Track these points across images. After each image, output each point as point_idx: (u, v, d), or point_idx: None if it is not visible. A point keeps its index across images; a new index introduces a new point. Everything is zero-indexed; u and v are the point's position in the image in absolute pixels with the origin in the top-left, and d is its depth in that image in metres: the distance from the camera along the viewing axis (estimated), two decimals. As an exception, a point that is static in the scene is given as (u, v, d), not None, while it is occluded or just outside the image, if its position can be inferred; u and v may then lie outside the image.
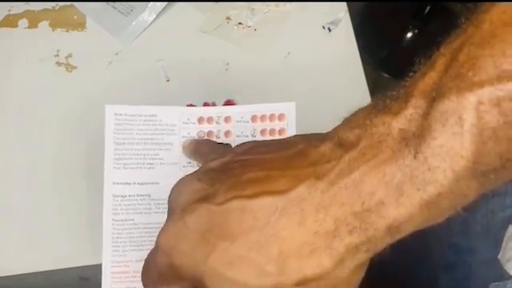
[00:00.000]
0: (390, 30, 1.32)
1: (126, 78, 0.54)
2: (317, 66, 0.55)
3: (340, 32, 0.57)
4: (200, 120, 0.36)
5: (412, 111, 0.22)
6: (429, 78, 0.22)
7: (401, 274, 0.67)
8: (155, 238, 0.29)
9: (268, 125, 0.37)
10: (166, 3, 0.56)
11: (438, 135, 0.21)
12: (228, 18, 0.58)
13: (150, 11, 0.56)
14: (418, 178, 0.21)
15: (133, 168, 0.35)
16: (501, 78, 0.19)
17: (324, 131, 0.32)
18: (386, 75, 1.25)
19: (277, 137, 0.36)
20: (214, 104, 0.52)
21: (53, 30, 0.56)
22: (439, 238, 0.54)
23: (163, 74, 0.54)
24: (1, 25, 0.56)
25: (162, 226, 0.26)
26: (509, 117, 0.20)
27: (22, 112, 0.52)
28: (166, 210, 0.30)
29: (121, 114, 0.35)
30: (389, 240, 0.23)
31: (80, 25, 0.56)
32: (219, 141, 0.36)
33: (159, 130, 0.35)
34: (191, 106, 0.52)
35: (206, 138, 0.36)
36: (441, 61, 0.22)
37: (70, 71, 0.54)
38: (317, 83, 0.54)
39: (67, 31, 0.56)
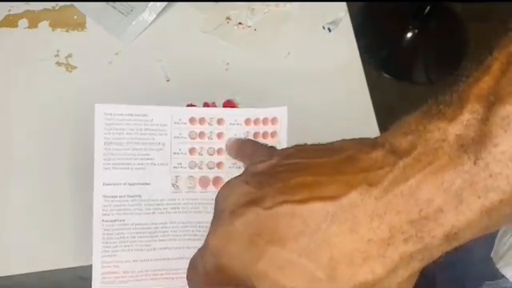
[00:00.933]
0: (390, 30, 1.32)
1: (126, 77, 0.54)
2: (317, 66, 0.55)
3: (340, 32, 0.57)
4: (192, 120, 0.35)
5: (469, 116, 0.21)
6: (484, 83, 0.22)
7: None
8: (145, 239, 0.30)
9: (261, 128, 0.36)
10: (166, 3, 0.56)
11: (499, 141, 0.20)
12: (228, 18, 0.58)
13: (150, 11, 0.56)
14: (478, 184, 0.20)
15: (123, 168, 0.34)
16: None
17: (324, 131, 0.33)
18: (386, 75, 1.25)
19: (269, 139, 0.36)
20: (214, 104, 0.52)
21: (53, 30, 0.56)
22: (477, 277, 0.54)
23: (163, 74, 0.54)
24: (1, 25, 0.56)
25: (209, 226, 0.27)
26: None
27: (21, 112, 0.52)
28: (157, 210, 0.30)
29: (111, 114, 0.35)
30: (445, 248, 0.22)
31: (80, 25, 0.56)
32: (211, 142, 0.36)
33: (150, 129, 0.35)
34: (191, 105, 0.52)
35: (198, 139, 0.35)
36: (496, 65, 0.22)
37: (70, 71, 0.54)
38: (317, 83, 0.54)
39: (67, 31, 0.56)
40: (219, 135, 0.35)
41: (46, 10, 0.57)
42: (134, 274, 0.33)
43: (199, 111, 0.36)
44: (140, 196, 0.34)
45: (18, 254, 0.46)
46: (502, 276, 0.42)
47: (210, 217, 0.28)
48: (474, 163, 0.20)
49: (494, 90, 0.21)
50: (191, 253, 0.28)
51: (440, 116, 0.22)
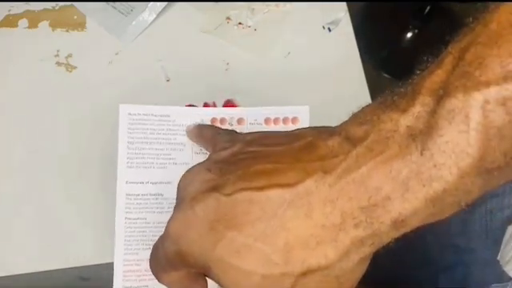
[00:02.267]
0: (390, 30, 1.32)
1: (126, 78, 0.54)
2: (317, 66, 0.55)
3: (340, 32, 0.57)
4: (213, 121, 0.36)
5: (419, 109, 0.22)
6: (436, 76, 0.23)
7: (401, 274, 0.67)
8: None
9: (281, 127, 0.36)
10: (166, 3, 0.56)
11: (444, 132, 0.21)
12: (228, 18, 0.58)
13: (150, 11, 0.56)
14: (423, 174, 0.21)
15: (146, 167, 0.35)
16: (507, 77, 0.20)
17: None
18: (386, 75, 1.25)
19: None
20: (214, 104, 0.52)
21: (53, 30, 0.56)
22: (439, 238, 0.54)
23: (163, 73, 0.54)
24: (1, 25, 0.56)
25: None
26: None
27: (22, 112, 0.52)
28: None
29: (134, 114, 0.35)
30: (394, 234, 0.23)
31: (80, 25, 0.56)
32: None
33: (172, 130, 0.35)
34: (191, 106, 0.52)
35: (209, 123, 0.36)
36: (448, 59, 0.23)
37: (70, 71, 0.54)
38: (317, 83, 0.54)
39: (67, 31, 0.56)
40: None
41: (46, 9, 0.57)
42: None
43: (220, 111, 0.37)
44: (162, 195, 0.34)
45: (18, 254, 0.46)
46: (510, 279, 0.43)
47: None
48: (421, 153, 0.21)
49: (443, 84, 0.22)
50: None
51: (393, 107, 0.23)
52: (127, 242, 0.34)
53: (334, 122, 0.54)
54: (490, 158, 0.21)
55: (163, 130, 0.35)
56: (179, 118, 0.35)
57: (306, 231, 0.23)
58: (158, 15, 0.56)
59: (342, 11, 0.58)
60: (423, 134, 0.22)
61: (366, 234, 0.23)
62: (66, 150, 0.50)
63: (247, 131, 0.34)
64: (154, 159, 0.35)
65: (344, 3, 0.58)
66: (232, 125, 0.36)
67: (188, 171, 0.28)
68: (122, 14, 0.56)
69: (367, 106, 0.26)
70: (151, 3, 0.56)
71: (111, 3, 0.57)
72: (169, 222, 0.26)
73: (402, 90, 0.24)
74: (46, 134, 0.51)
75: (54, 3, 0.57)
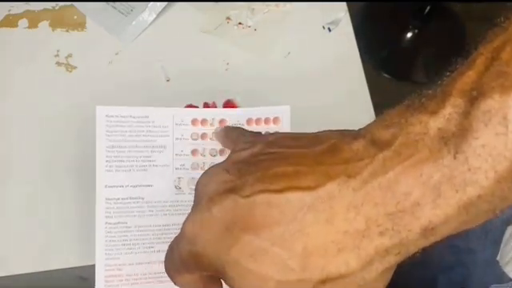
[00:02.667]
0: (390, 30, 1.32)
1: (126, 77, 0.54)
2: (317, 66, 0.55)
3: (340, 32, 0.57)
4: (194, 122, 0.35)
5: (451, 110, 0.21)
6: (467, 77, 0.21)
7: (399, 274, 0.67)
8: (148, 241, 0.31)
9: (263, 128, 0.36)
10: (166, 3, 0.56)
11: (480, 135, 0.20)
12: (228, 18, 0.58)
13: (150, 11, 0.56)
14: (457, 178, 0.20)
15: (125, 171, 0.34)
16: None
17: (323, 129, 0.30)
18: (386, 75, 1.25)
19: None
20: (214, 104, 0.52)
21: (53, 30, 0.56)
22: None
23: (163, 73, 0.54)
24: (1, 25, 0.56)
25: (188, 214, 0.26)
26: None
27: (22, 112, 0.52)
28: (159, 212, 0.30)
29: (112, 116, 0.34)
30: (422, 243, 0.22)
31: (80, 25, 0.56)
32: (214, 143, 0.36)
33: (152, 131, 0.34)
34: (191, 106, 0.52)
35: (200, 140, 0.35)
36: (480, 60, 0.21)
37: (70, 71, 0.54)
38: (317, 83, 0.54)
39: (67, 31, 0.56)
40: None
41: (46, 9, 0.57)
42: (137, 276, 0.33)
43: (201, 112, 0.36)
44: (142, 198, 0.34)
45: (18, 254, 0.46)
46: (510, 280, 0.43)
47: None
48: (454, 157, 0.20)
49: (476, 85, 0.21)
50: None
51: (422, 109, 0.22)
52: (108, 247, 0.33)
53: (333, 121, 0.54)
54: None
55: (143, 131, 0.34)
56: (159, 119, 0.34)
57: (327, 237, 0.22)
58: (158, 15, 0.56)
59: (342, 11, 0.58)
60: (456, 137, 0.20)
61: (392, 243, 0.21)
62: (65, 150, 0.50)
63: (233, 126, 0.34)
64: (133, 162, 0.34)
65: (344, 3, 0.58)
66: (214, 125, 0.35)
67: (206, 172, 0.27)
68: (122, 14, 0.56)
69: (393, 108, 0.24)
70: (151, 3, 0.56)
71: (111, 3, 0.57)
72: (184, 223, 0.26)
73: (431, 92, 0.23)
74: (45, 134, 0.51)
75: (53, 3, 0.57)
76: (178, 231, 0.28)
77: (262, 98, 0.53)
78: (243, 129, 0.35)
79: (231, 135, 0.34)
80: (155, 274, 0.33)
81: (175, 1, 0.57)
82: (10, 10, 0.57)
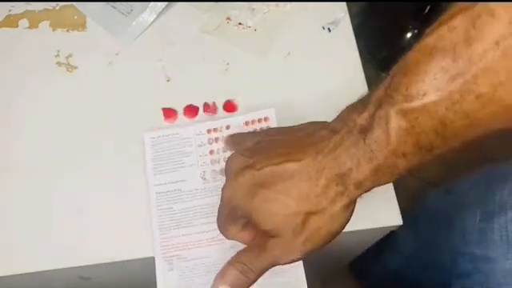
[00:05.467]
0: (390, 30, 1.32)
1: (127, 78, 0.54)
2: (317, 66, 0.55)
3: (340, 32, 0.57)
4: (208, 131, 0.49)
5: (366, 113, 0.35)
6: (379, 91, 0.35)
7: (411, 275, 0.67)
8: (188, 219, 0.46)
9: (258, 125, 0.49)
10: (166, 3, 0.56)
11: (375, 131, 0.34)
12: (228, 18, 0.58)
13: (150, 11, 0.56)
14: (367, 155, 0.34)
15: (166, 172, 0.47)
16: (407, 99, 0.32)
17: None
18: (385, 75, 1.25)
19: None
20: (214, 104, 0.52)
21: (53, 30, 0.56)
22: (452, 247, 0.54)
23: (163, 74, 0.54)
24: (1, 25, 0.56)
25: (222, 186, 0.41)
26: (411, 123, 0.32)
27: (22, 112, 0.52)
28: (193, 198, 0.46)
29: (154, 137, 0.49)
30: (358, 192, 0.36)
31: (80, 25, 0.56)
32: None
33: (181, 143, 0.48)
34: (191, 106, 0.52)
35: (214, 143, 0.49)
36: (387, 80, 0.34)
37: (71, 71, 0.54)
38: (317, 83, 0.54)
39: (67, 31, 0.56)
40: None
41: (46, 10, 0.57)
42: (183, 244, 0.45)
43: (212, 123, 0.49)
44: (180, 189, 0.47)
45: (18, 254, 0.46)
46: None
47: None
48: (364, 142, 0.34)
49: (380, 97, 0.34)
50: None
51: (355, 111, 0.36)
52: (161, 226, 0.45)
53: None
54: (401, 148, 0.33)
55: (175, 144, 0.48)
56: (184, 133, 0.49)
57: (308, 188, 0.36)
58: (158, 15, 0.56)
59: (342, 11, 0.58)
60: (366, 130, 0.34)
61: (342, 190, 0.36)
62: (65, 150, 0.50)
63: (234, 133, 0.48)
64: (171, 166, 0.47)
65: (344, 3, 0.58)
66: (222, 131, 0.49)
67: (229, 158, 0.41)
68: (123, 14, 0.56)
69: (346, 107, 0.39)
70: (151, 3, 0.56)
71: (111, 3, 0.57)
72: (222, 191, 0.40)
73: (365, 98, 0.37)
74: (45, 134, 0.51)
75: (54, 3, 0.57)
76: (209, 209, 0.45)
77: (262, 97, 0.53)
78: (244, 132, 0.49)
79: (236, 138, 0.48)
80: (195, 241, 0.45)
81: (175, 1, 0.57)
82: (10, 11, 0.57)
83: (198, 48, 0.56)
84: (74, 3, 0.57)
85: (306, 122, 0.43)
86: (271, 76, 0.54)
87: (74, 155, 0.50)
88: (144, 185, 0.48)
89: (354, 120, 0.35)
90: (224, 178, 0.42)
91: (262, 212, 0.37)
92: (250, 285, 0.39)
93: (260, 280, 0.39)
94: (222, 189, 0.40)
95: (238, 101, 0.53)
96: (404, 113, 0.32)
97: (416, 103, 0.31)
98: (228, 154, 0.46)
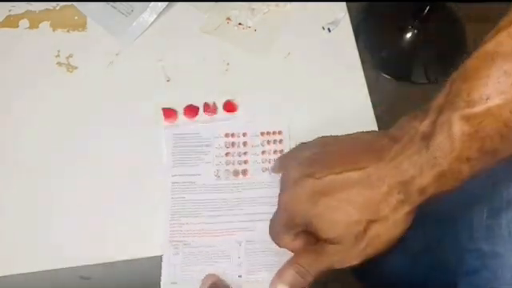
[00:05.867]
0: (389, 30, 1.32)
1: (127, 78, 0.54)
2: (317, 66, 0.55)
3: (340, 32, 0.57)
4: (226, 135, 0.51)
5: (427, 121, 0.36)
6: (439, 99, 0.36)
7: (417, 274, 0.67)
8: (199, 209, 0.48)
9: (272, 137, 0.52)
10: (166, 3, 0.56)
11: (437, 137, 0.35)
12: (228, 19, 0.58)
13: (150, 11, 0.56)
14: (430, 162, 0.35)
15: (184, 166, 0.50)
16: (469, 104, 0.33)
17: (324, 130, 0.44)
18: (385, 75, 1.25)
19: (278, 145, 0.51)
20: (214, 104, 0.52)
21: (53, 31, 0.56)
22: (459, 245, 0.54)
23: (163, 73, 0.54)
24: (2, 25, 0.56)
25: (238, 201, 0.47)
26: (475, 127, 0.33)
27: (22, 112, 0.52)
28: (205, 191, 0.49)
29: (175, 134, 0.51)
30: (420, 199, 0.36)
31: (81, 25, 0.56)
32: (240, 148, 0.51)
33: (200, 141, 0.51)
34: (191, 106, 0.52)
35: (231, 147, 0.51)
36: (446, 87, 0.36)
37: (71, 71, 0.54)
38: (317, 83, 0.54)
39: (68, 31, 0.56)
40: (244, 143, 0.51)
41: (46, 10, 0.57)
42: (191, 231, 0.47)
43: (231, 127, 0.52)
44: (194, 182, 0.49)
45: (18, 254, 0.46)
46: None
47: (239, 195, 0.48)
48: (427, 149, 0.35)
49: (441, 104, 0.35)
50: (227, 219, 0.47)
51: (417, 119, 0.37)
52: (172, 212, 0.48)
53: (333, 121, 0.55)
54: (465, 153, 0.34)
55: (194, 142, 0.51)
56: (204, 134, 0.52)
57: (370, 196, 0.37)
58: (159, 15, 0.56)
59: (341, 11, 0.58)
60: (429, 137, 0.35)
61: (404, 198, 0.36)
62: (65, 150, 0.50)
63: (250, 140, 0.51)
64: (188, 160, 0.50)
65: (344, 3, 0.58)
66: (239, 137, 0.51)
67: (287, 167, 0.42)
68: (123, 14, 0.56)
69: (405, 116, 0.39)
70: (152, 3, 0.56)
71: (112, 3, 0.57)
72: (280, 199, 0.41)
73: (425, 107, 0.37)
74: (46, 134, 0.51)
75: (54, 3, 0.57)
76: (218, 203, 0.48)
77: (262, 98, 0.53)
78: (287, 155, 0.49)
79: (282, 161, 0.49)
80: (203, 230, 0.47)
81: (175, 1, 0.57)
82: (10, 11, 0.57)
83: (198, 48, 0.56)
84: (74, 3, 0.57)
85: (306, 122, 0.45)
86: (271, 76, 0.54)
87: (74, 155, 0.50)
88: (145, 185, 0.49)
89: (416, 127, 0.36)
90: (234, 178, 0.49)
91: (324, 220, 0.38)
92: (306, 286, 0.40)
93: (260, 281, 0.40)
94: (280, 196, 0.41)
95: (238, 101, 0.53)
96: (467, 118, 0.33)
97: (479, 108, 0.32)
98: (242, 157, 0.51)
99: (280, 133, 0.51)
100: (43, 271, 0.46)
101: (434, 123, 0.35)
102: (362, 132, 0.42)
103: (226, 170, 0.50)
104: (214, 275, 0.45)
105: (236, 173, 0.50)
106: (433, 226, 0.65)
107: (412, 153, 0.36)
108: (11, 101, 0.52)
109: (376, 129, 0.51)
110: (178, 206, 0.48)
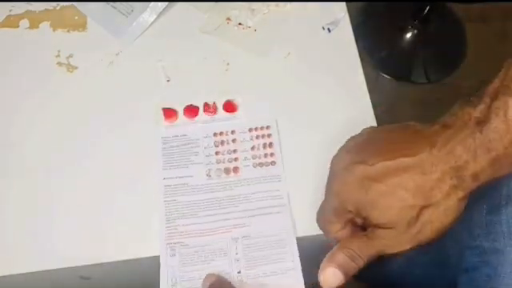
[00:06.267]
0: (389, 30, 1.32)
1: (127, 78, 0.54)
2: (317, 66, 0.55)
3: (340, 32, 0.57)
4: (215, 134, 0.52)
5: (482, 106, 0.36)
6: (494, 84, 0.36)
7: (414, 273, 0.67)
8: (192, 210, 0.48)
9: (260, 132, 0.52)
10: (166, 3, 0.56)
11: (493, 122, 0.35)
12: (228, 19, 0.58)
13: (150, 11, 0.56)
14: (483, 146, 0.35)
15: (175, 168, 0.50)
16: None
17: (324, 130, 0.46)
18: (385, 75, 1.25)
19: (266, 139, 0.51)
20: (214, 104, 0.52)
21: (54, 31, 0.56)
22: (459, 242, 0.54)
23: (163, 73, 0.54)
24: (2, 25, 0.56)
25: (231, 199, 0.48)
26: None
27: (22, 112, 0.52)
28: (198, 192, 0.49)
29: (164, 137, 0.52)
30: (473, 185, 0.37)
31: (81, 25, 0.57)
32: (229, 145, 0.51)
33: (190, 143, 0.51)
34: (191, 106, 0.52)
35: (220, 145, 0.51)
36: (500, 73, 0.36)
37: (71, 71, 0.54)
38: (317, 83, 0.54)
39: (68, 31, 0.56)
40: (233, 140, 0.52)
41: (46, 10, 0.57)
42: (187, 232, 0.47)
43: (219, 127, 0.52)
44: (187, 183, 0.49)
45: (18, 254, 0.46)
46: None
47: (232, 193, 0.48)
48: (481, 134, 0.35)
49: (496, 89, 0.36)
50: (222, 217, 0.47)
51: (470, 105, 0.37)
52: (167, 215, 0.48)
53: (333, 121, 0.55)
54: None
55: (184, 143, 0.51)
56: (192, 135, 0.52)
57: (422, 182, 0.37)
58: (159, 15, 0.56)
59: (341, 11, 0.58)
60: (483, 122, 0.35)
61: (457, 183, 0.36)
62: (65, 150, 0.50)
63: (239, 136, 0.51)
64: (179, 162, 0.50)
65: (344, 3, 0.58)
66: (228, 135, 0.52)
67: (335, 157, 0.42)
68: (123, 14, 0.56)
69: (456, 103, 0.39)
70: (152, 4, 0.56)
71: (112, 4, 0.57)
72: (331, 188, 0.41)
73: (479, 92, 0.37)
74: (46, 134, 0.51)
75: (54, 3, 0.57)
76: (212, 203, 0.48)
77: (262, 98, 0.53)
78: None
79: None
80: (198, 231, 0.47)
81: (175, 1, 0.57)
82: (10, 11, 0.57)
83: (198, 48, 0.56)
84: (74, 3, 0.57)
85: (306, 122, 0.44)
86: (271, 76, 0.54)
87: (74, 155, 0.50)
88: (144, 185, 0.49)
89: (469, 113, 0.36)
90: (226, 176, 0.49)
91: (377, 206, 0.38)
92: (357, 271, 0.40)
93: (256, 281, 0.40)
94: (328, 185, 0.42)
95: (238, 101, 0.53)
96: None
97: None
98: (232, 155, 0.51)
99: (268, 128, 0.52)
100: (43, 271, 0.46)
101: (488, 108, 0.35)
102: (409, 122, 0.43)
103: (218, 169, 0.50)
104: (213, 275, 0.45)
105: (227, 171, 0.50)
106: None
107: (465, 137, 0.36)
108: (11, 101, 0.53)
109: (376, 129, 0.51)
110: (171, 208, 0.48)
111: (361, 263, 0.39)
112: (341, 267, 0.39)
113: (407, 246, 0.39)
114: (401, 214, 0.38)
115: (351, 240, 0.41)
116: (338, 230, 0.42)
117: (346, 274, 0.40)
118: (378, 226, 0.39)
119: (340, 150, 0.42)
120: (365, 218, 0.40)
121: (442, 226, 0.38)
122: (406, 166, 0.38)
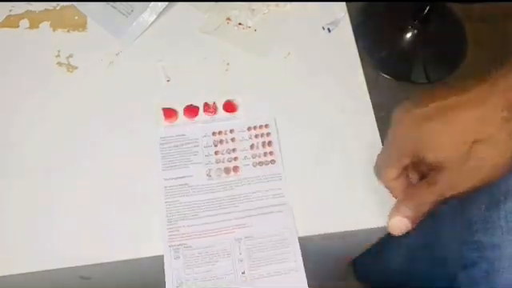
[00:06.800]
0: (389, 30, 1.32)
1: (127, 78, 0.54)
2: (317, 66, 0.55)
3: (340, 32, 0.57)
4: (214, 133, 0.51)
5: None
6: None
7: (413, 271, 0.67)
8: (194, 211, 0.48)
9: (259, 131, 0.52)
10: (166, 3, 0.56)
11: None
12: (228, 19, 0.58)
13: (150, 11, 0.56)
14: None
15: (175, 168, 0.50)
16: None
17: (324, 130, 0.44)
18: (385, 75, 1.25)
19: (265, 138, 0.51)
20: (214, 104, 0.52)
21: (54, 31, 0.56)
22: (457, 238, 0.54)
23: (163, 73, 0.54)
24: (2, 25, 0.56)
25: (233, 199, 0.48)
26: None
27: (22, 112, 0.52)
28: (198, 192, 0.49)
29: (163, 137, 0.51)
30: None
31: (81, 25, 0.57)
32: (228, 144, 0.51)
33: (189, 143, 0.51)
34: (191, 106, 0.52)
35: (219, 145, 0.51)
36: None
37: (71, 71, 0.54)
38: (317, 83, 0.54)
39: (68, 31, 0.56)
40: (232, 139, 0.51)
41: (46, 10, 0.57)
42: (189, 234, 0.47)
43: (217, 126, 0.52)
44: (187, 184, 0.49)
45: (18, 254, 0.46)
46: None
47: (232, 193, 0.48)
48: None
49: None
50: (224, 218, 0.47)
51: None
52: (168, 217, 0.48)
53: (333, 120, 0.55)
54: None
55: (183, 143, 0.51)
56: (191, 135, 0.51)
57: (473, 116, 0.38)
58: (159, 15, 0.56)
59: (341, 11, 0.58)
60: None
61: (508, 115, 0.37)
62: (65, 150, 0.50)
63: (238, 135, 0.51)
64: (179, 162, 0.50)
65: (344, 3, 0.58)
66: (227, 134, 0.51)
67: (393, 115, 0.43)
68: (123, 14, 0.56)
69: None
70: (152, 3, 0.56)
71: (112, 4, 0.57)
72: (389, 135, 0.42)
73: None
74: (46, 134, 0.51)
75: (54, 3, 0.57)
76: (213, 203, 0.48)
77: (262, 98, 0.53)
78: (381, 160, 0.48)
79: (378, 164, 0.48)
80: (200, 232, 0.47)
81: (175, 1, 0.57)
82: (10, 11, 0.57)
83: (198, 48, 0.56)
84: (74, 3, 0.57)
85: (306, 122, 0.44)
86: (271, 76, 0.54)
87: (74, 155, 0.50)
88: (144, 184, 0.49)
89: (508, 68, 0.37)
90: (226, 176, 0.49)
91: (432, 144, 0.39)
92: (421, 218, 0.42)
93: (260, 281, 0.41)
94: (387, 134, 0.43)
95: (238, 101, 0.53)
96: None
97: None
98: (232, 154, 0.51)
99: (267, 126, 0.52)
100: (43, 271, 0.46)
101: None
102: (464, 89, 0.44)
103: (218, 169, 0.50)
104: None
105: (227, 170, 0.49)
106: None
107: (506, 89, 0.37)
108: (11, 101, 0.53)
109: (376, 129, 0.51)
110: (173, 210, 0.48)
111: (425, 209, 0.41)
112: (407, 217, 0.41)
113: (465, 186, 0.39)
114: (454, 151, 0.38)
115: (413, 189, 0.42)
116: (394, 177, 0.43)
117: (412, 221, 0.41)
118: (434, 168, 0.40)
119: (396, 110, 0.44)
120: (422, 161, 0.40)
121: (493, 164, 0.38)
122: (456, 102, 0.39)
